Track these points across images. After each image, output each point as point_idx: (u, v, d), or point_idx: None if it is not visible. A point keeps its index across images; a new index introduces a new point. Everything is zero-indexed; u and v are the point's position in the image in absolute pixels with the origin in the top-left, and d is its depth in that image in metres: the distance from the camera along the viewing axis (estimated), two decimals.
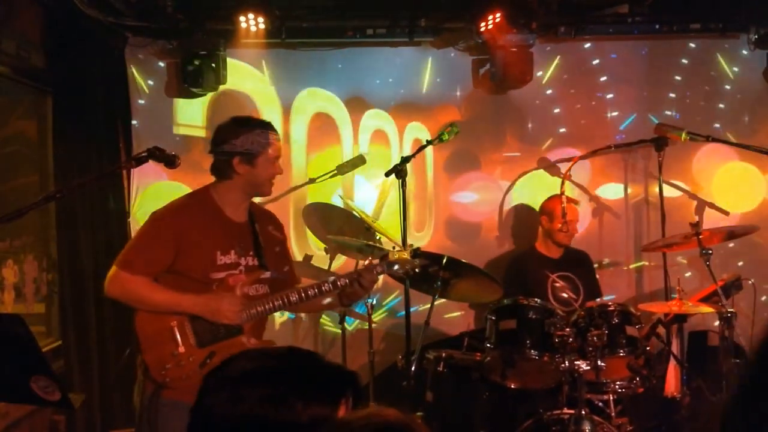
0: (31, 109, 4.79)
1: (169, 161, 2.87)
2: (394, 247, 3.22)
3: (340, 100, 5.09)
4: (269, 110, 5.00)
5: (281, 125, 4.96)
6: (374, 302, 4.52)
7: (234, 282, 2.92)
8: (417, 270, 3.15)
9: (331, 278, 3.07)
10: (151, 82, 4.98)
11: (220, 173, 3.02)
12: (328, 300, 3.21)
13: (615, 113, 5.23)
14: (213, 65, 4.69)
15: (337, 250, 4.63)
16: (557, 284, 4.51)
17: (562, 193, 4.60)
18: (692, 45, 5.24)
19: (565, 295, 4.44)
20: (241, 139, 2.94)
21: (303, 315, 5.02)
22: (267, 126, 3.05)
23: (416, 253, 3.14)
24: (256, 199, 3.25)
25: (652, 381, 3.91)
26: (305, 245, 5.03)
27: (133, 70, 4.92)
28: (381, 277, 4.52)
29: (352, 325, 4.95)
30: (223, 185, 3.03)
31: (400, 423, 1.21)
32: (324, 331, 5.11)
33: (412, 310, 3.74)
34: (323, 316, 5.04)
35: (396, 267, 3.11)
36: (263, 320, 3.09)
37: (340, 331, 4.57)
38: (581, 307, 4.20)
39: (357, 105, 5.10)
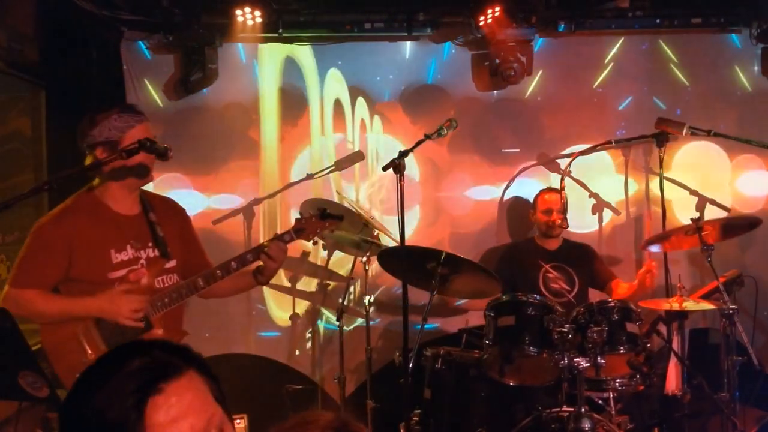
0: (24, 104, 4.74)
1: (161, 153, 2.80)
2: (302, 215, 3.14)
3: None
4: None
5: None
6: (372, 299, 4.47)
7: (135, 277, 2.78)
8: (326, 230, 3.10)
9: (238, 255, 2.95)
10: (146, 76, 4.92)
11: (93, 169, 2.83)
12: (243, 280, 3.08)
13: (615, 108, 5.18)
14: (201, 59, 4.66)
15: (334, 246, 4.59)
16: (550, 275, 4.48)
17: (563, 188, 4.55)
18: (693, 39, 5.18)
19: (556, 285, 4.40)
20: (98, 129, 2.77)
21: (299, 313, 4.96)
22: (126, 109, 2.86)
23: (324, 214, 3.07)
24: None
25: (652, 378, 3.85)
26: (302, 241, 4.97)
27: (128, 64, 4.87)
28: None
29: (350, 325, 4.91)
30: (101, 181, 2.87)
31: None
32: (322, 328, 5.07)
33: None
34: (321, 313, 5.00)
35: (305, 231, 3.04)
36: (178, 311, 2.95)
37: (337, 328, 4.52)
38: (575, 300, 4.17)
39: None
